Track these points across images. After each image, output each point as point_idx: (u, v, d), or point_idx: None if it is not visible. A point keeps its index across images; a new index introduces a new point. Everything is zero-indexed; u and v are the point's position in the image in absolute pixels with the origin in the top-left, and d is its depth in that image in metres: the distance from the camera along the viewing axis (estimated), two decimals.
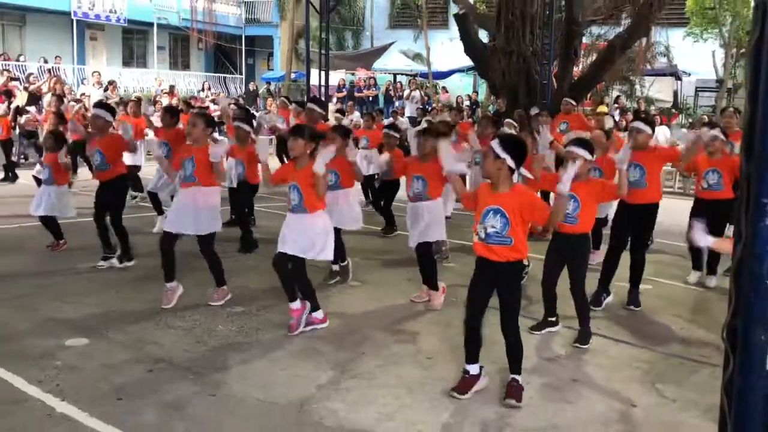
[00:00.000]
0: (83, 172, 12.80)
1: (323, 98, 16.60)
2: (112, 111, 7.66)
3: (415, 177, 6.26)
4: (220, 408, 4.28)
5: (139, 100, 11.67)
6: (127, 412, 4.15)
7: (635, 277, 6.55)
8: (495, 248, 4.33)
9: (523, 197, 4.35)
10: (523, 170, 4.65)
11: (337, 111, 15.18)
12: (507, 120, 10.80)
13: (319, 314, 5.70)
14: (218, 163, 5.99)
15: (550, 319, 5.80)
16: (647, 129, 6.42)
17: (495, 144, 4.35)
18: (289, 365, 4.97)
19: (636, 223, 6.43)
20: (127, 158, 10.32)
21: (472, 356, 4.55)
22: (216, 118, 8.14)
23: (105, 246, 7.34)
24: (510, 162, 4.28)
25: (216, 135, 6.54)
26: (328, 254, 5.64)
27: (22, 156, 15.57)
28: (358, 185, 7.25)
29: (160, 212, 8.96)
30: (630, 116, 17.34)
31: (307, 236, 5.45)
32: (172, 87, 22.80)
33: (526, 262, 6.99)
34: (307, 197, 5.39)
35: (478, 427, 4.16)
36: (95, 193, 7.30)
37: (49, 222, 7.86)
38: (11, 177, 13.05)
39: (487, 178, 4.50)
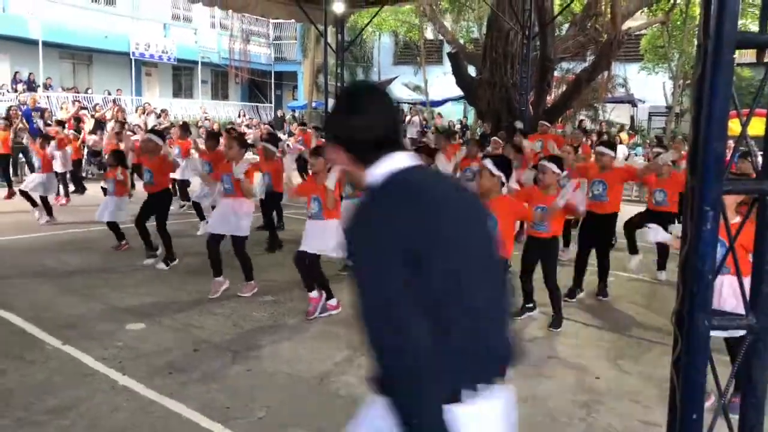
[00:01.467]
0: (139, 186, 12.84)
1: None
2: (162, 137, 7.74)
3: None
4: (254, 380, 4.29)
5: (185, 125, 11.72)
6: (177, 384, 4.17)
7: (602, 275, 6.53)
8: None
9: (510, 205, 4.39)
10: (512, 183, 4.67)
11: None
12: (494, 138, 10.78)
13: (332, 302, 5.70)
14: (244, 181, 6.00)
15: (527, 305, 5.79)
16: (610, 152, 6.48)
17: (489, 164, 4.39)
18: (311, 345, 4.98)
19: (599, 230, 6.41)
20: (178, 173, 10.43)
21: None
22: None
23: (147, 246, 7.39)
24: (503, 178, 4.36)
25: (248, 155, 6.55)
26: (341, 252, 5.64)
27: (90, 172, 15.62)
28: None
29: (202, 218, 9.00)
30: (594, 137, 17.38)
31: (324, 238, 5.46)
32: (206, 114, 22.72)
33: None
34: (325, 207, 5.44)
35: None
36: (143, 202, 7.34)
37: (114, 226, 7.91)
38: (81, 189, 13.10)
39: (482, 192, 4.49)
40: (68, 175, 11.94)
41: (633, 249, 7.45)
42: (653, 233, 4.22)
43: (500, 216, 4.30)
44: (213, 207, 8.44)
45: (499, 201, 4.38)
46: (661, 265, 7.38)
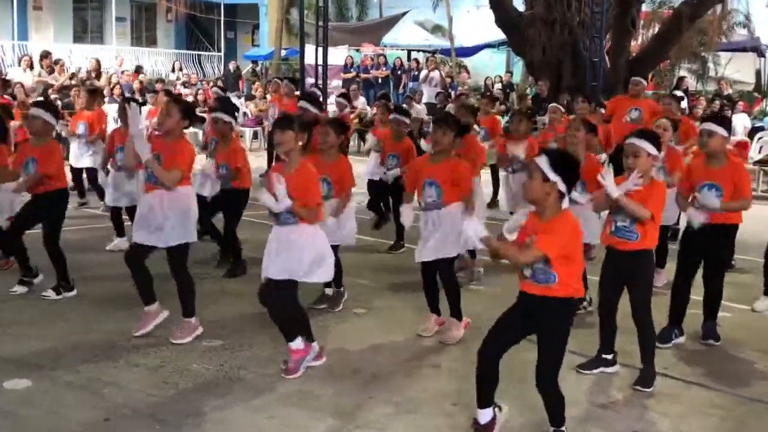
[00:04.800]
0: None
1: (321, 81, 16.60)
2: (53, 111, 7.51)
3: (426, 182, 6.22)
4: None
5: (96, 90, 11.69)
6: None
7: (711, 308, 6.49)
8: (538, 286, 4.32)
9: (568, 228, 4.33)
10: (574, 194, 4.61)
11: (341, 95, 15.09)
12: (553, 105, 10.73)
13: (315, 347, 5.68)
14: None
15: (605, 356, 5.76)
16: (721, 131, 6.27)
17: (543, 163, 4.32)
18: (278, 413, 4.97)
19: (709, 247, 6.36)
20: (84, 160, 10.54)
21: (484, 398, 4.51)
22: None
23: (23, 268, 7.34)
24: (561, 185, 4.28)
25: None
26: (325, 275, 5.66)
27: None
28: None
29: (121, 231, 8.92)
30: (703, 101, 17.35)
31: (294, 254, 5.43)
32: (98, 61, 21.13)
33: (586, 297, 6.98)
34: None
35: None
36: (25, 204, 7.27)
37: None
38: None
39: (531, 203, 4.45)
40: None
41: None
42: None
43: (554, 246, 4.25)
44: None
45: (558, 221, 4.33)
46: None
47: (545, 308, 4.33)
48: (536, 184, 4.33)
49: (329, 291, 7.14)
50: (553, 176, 4.26)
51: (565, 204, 4.38)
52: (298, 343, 5.53)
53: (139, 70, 22.43)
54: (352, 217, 7.08)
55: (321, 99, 11.33)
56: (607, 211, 5.62)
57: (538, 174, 4.31)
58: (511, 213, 6.34)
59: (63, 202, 7.27)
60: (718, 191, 6.16)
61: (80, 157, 11.09)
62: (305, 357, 5.55)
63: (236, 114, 8.96)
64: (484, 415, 4.53)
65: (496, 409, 4.58)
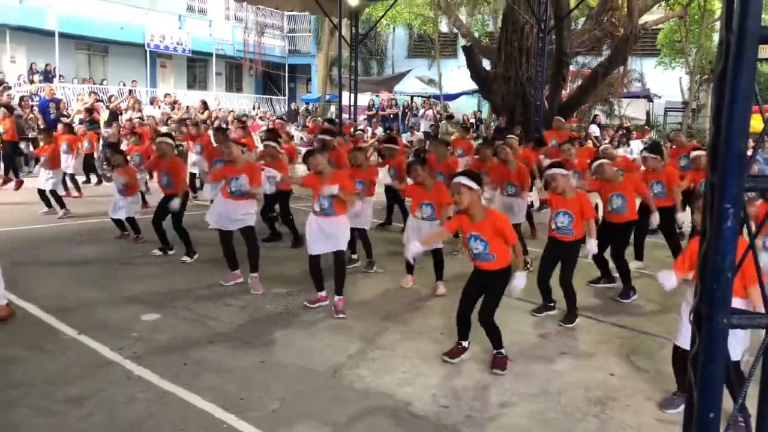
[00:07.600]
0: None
1: (352, 116, 16.56)
2: (173, 139, 7.61)
3: (423, 204, 6.16)
4: (268, 372, 4.31)
5: (197, 123, 11.56)
6: (191, 375, 4.21)
7: (622, 277, 6.40)
8: (483, 263, 4.42)
9: (497, 222, 4.34)
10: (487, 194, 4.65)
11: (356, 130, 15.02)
12: (510, 137, 10.72)
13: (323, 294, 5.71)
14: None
15: (548, 304, 5.77)
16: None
17: (464, 180, 4.32)
18: (325, 337, 5.00)
19: (616, 238, 6.34)
20: (196, 168, 10.52)
21: (463, 335, 4.64)
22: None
23: (164, 242, 7.42)
24: (478, 190, 4.35)
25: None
26: (345, 246, 5.67)
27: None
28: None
29: None
30: (611, 131, 17.22)
31: (335, 234, 5.49)
32: (205, 102, 19.87)
33: (529, 262, 6.97)
34: (336, 202, 5.43)
35: (482, 391, 4.17)
36: (160, 201, 7.32)
37: (127, 221, 8.01)
38: (98, 181, 13.23)
39: (466, 210, 4.40)
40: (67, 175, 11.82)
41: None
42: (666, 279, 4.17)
43: (488, 236, 4.34)
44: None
45: (486, 219, 4.35)
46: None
47: (491, 276, 4.44)
48: (465, 195, 4.32)
49: (354, 256, 7.19)
50: (474, 185, 4.29)
51: (484, 202, 4.43)
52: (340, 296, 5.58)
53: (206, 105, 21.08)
54: (370, 209, 7.18)
55: (336, 131, 11.19)
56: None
57: (465, 188, 4.31)
58: None
59: (185, 201, 7.38)
60: (623, 198, 6.16)
61: (194, 166, 11.08)
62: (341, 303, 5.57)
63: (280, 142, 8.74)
64: (464, 343, 4.64)
65: (469, 343, 4.66)
